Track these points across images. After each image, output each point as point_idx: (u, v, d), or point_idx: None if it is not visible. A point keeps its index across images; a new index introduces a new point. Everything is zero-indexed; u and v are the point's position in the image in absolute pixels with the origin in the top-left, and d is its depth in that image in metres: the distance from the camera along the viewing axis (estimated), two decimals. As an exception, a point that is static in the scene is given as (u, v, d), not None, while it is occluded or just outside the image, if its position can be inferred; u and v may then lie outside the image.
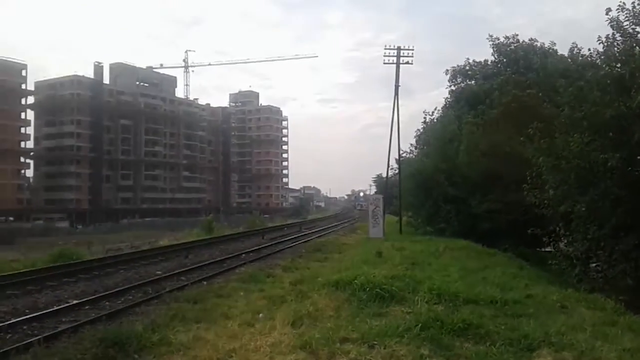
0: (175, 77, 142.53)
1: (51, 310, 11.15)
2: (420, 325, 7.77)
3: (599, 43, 17.89)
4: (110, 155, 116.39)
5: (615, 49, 17.09)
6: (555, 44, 43.72)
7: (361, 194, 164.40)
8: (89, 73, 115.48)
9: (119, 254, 24.29)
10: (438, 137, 35.74)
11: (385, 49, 36.25)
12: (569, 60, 33.86)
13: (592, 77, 16.14)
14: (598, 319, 9.45)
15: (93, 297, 12.61)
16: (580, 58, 31.93)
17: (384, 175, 49.77)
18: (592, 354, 6.87)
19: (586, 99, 16.02)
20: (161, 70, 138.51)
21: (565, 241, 19.19)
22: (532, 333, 7.60)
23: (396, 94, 36.42)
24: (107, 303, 12.11)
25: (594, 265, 17.26)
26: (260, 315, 9.45)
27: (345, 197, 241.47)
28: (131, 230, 66.95)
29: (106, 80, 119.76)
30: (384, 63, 36.25)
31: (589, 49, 22.47)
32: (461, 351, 6.90)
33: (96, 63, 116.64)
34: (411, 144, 43.97)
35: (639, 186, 15.57)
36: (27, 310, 11.13)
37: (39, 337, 8.70)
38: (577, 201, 16.78)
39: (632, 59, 15.23)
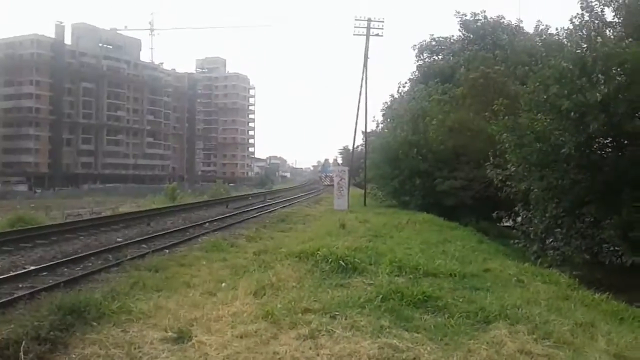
0: (140, 40, 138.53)
1: (7, 276, 10.86)
2: (381, 296, 7.84)
3: (570, 22, 18.25)
4: (71, 118, 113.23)
5: (584, 30, 17.41)
6: (522, 21, 44.17)
7: (330, 160, 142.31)
8: (50, 33, 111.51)
9: (78, 219, 23.85)
10: (409, 110, 35.76)
11: (355, 19, 36.02)
12: (537, 38, 34.10)
13: (555, 67, 16.32)
14: (552, 293, 9.74)
15: (51, 263, 12.35)
16: (547, 36, 32.17)
17: (350, 147, 49.89)
18: (545, 327, 7.03)
19: (549, 88, 16.32)
20: (125, 33, 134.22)
21: (523, 216, 19.72)
22: (489, 306, 7.74)
23: (365, 65, 36.34)
24: (65, 270, 11.87)
25: (550, 241, 17.81)
26: (223, 284, 9.40)
27: (312, 167, 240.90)
28: (92, 195, 65.46)
29: (68, 41, 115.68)
30: (354, 34, 36.11)
31: (556, 28, 22.84)
32: (420, 323, 6.98)
33: (57, 23, 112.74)
34: (382, 114, 43.96)
35: (595, 169, 16.08)
36: (-19, 276, 10.80)
37: (-6, 303, 8.49)
38: (537, 180, 17.23)
39: (595, 45, 15.47)
